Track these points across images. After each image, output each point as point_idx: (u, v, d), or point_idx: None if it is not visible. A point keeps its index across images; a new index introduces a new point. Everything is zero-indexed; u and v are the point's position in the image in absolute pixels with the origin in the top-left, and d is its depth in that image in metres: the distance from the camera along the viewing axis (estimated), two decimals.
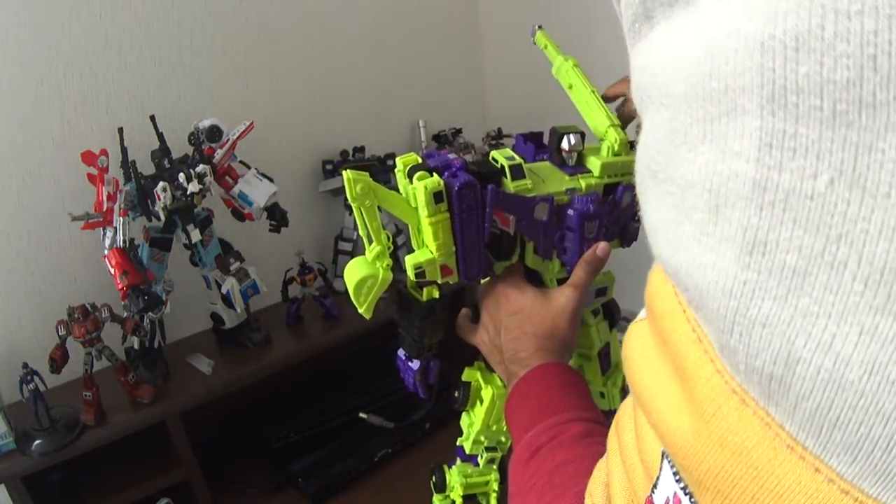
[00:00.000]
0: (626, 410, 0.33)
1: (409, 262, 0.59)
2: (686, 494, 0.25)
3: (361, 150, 1.53)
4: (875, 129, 0.17)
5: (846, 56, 0.17)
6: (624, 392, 0.75)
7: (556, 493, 0.45)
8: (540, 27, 0.79)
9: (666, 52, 0.22)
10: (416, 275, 0.59)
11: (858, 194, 0.17)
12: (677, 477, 0.26)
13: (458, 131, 1.66)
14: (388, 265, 0.59)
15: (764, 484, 0.21)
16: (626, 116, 0.69)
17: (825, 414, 0.19)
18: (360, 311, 0.60)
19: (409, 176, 0.57)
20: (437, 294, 0.65)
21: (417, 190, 0.56)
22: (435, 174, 0.57)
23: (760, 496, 0.21)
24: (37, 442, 1.06)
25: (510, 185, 0.60)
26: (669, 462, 0.27)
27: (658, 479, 0.28)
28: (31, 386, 1.06)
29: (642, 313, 0.31)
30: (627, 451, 0.31)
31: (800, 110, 0.18)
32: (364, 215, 0.57)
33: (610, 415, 0.73)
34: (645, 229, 0.26)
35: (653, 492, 0.28)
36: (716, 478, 0.22)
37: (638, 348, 0.28)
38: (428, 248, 0.59)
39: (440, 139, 1.65)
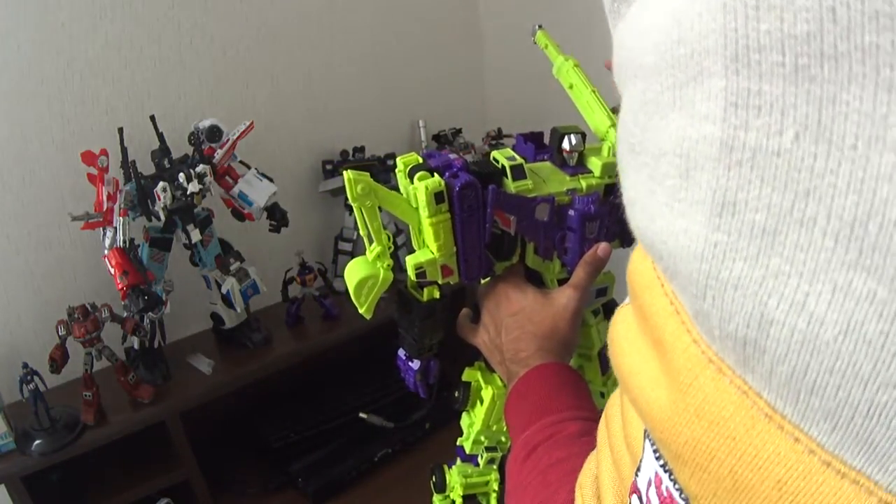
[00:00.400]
0: (614, 401, 0.33)
1: (410, 262, 0.59)
2: (666, 472, 0.25)
3: (361, 150, 1.53)
4: (838, 80, 0.17)
5: (805, 10, 0.17)
6: None
7: (550, 492, 0.45)
8: (540, 27, 0.79)
9: (638, 26, 0.22)
10: (417, 275, 0.59)
11: (825, 148, 0.17)
12: (657, 454, 0.26)
13: (458, 131, 1.66)
14: (388, 265, 0.59)
15: (742, 455, 0.21)
16: None
17: (801, 378, 0.19)
18: (361, 311, 0.60)
19: (410, 176, 0.57)
20: (437, 294, 0.65)
21: (418, 190, 0.56)
22: (436, 174, 0.57)
23: (739, 468, 0.21)
24: (37, 442, 1.06)
25: (511, 186, 0.61)
26: (650, 440, 0.26)
27: (641, 460, 0.27)
28: (31, 386, 1.06)
29: (629, 298, 0.31)
30: (615, 440, 0.31)
31: (763, 67, 0.18)
32: (365, 215, 0.57)
33: None
34: (624, 201, 0.26)
35: (636, 475, 0.28)
36: (693, 450, 0.22)
37: (622, 330, 0.28)
38: (429, 249, 0.59)
39: (440, 139, 1.65)
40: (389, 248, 0.60)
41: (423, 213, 0.57)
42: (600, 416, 0.54)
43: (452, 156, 0.60)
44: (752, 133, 0.18)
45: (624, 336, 0.28)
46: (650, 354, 0.25)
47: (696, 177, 0.20)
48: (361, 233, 0.58)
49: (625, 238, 0.70)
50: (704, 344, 0.22)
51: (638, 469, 0.28)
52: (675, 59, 0.20)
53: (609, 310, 0.76)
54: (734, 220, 0.19)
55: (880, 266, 0.17)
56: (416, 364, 0.71)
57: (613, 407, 0.33)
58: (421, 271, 0.59)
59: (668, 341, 0.23)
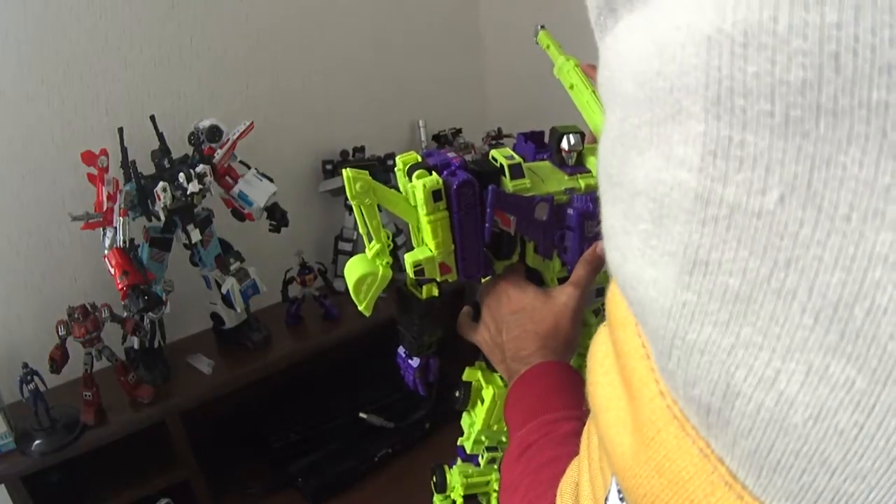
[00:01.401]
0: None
1: (409, 259, 0.59)
2: None
3: (361, 150, 1.53)
4: (835, 140, 0.15)
5: (802, 54, 0.15)
6: None
7: (540, 490, 0.45)
8: (542, 27, 0.79)
9: (622, 47, 0.20)
10: (416, 272, 0.59)
11: (813, 214, 0.15)
12: (621, 496, 0.25)
13: (458, 131, 1.66)
14: (387, 263, 0.59)
15: None
16: None
17: (765, 455, 0.18)
18: (360, 308, 0.60)
19: (409, 174, 0.58)
20: (436, 292, 0.65)
21: (416, 188, 0.56)
22: (434, 173, 0.57)
23: None
24: (37, 442, 1.06)
25: (509, 185, 0.61)
26: (615, 479, 0.25)
27: (609, 493, 0.26)
28: (31, 386, 1.06)
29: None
30: (593, 456, 0.30)
31: (747, 115, 0.16)
32: (364, 213, 0.57)
33: None
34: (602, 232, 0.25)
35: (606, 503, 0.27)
36: None
37: (599, 355, 0.27)
38: (427, 246, 0.59)
39: (440, 139, 1.65)
40: (388, 246, 0.60)
41: (422, 210, 0.57)
42: None
43: (451, 155, 0.60)
44: (730, 188, 0.17)
45: (600, 362, 0.26)
46: (620, 393, 0.24)
47: (669, 226, 0.18)
48: (361, 231, 0.58)
49: None
50: (670, 398, 0.21)
51: (606, 498, 0.27)
52: (654, 92, 0.18)
53: None
54: (705, 281, 0.18)
55: (862, 355, 0.15)
56: (415, 362, 0.71)
57: (593, 422, 0.31)
58: (419, 269, 0.59)
59: (636, 386, 0.22)
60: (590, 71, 0.70)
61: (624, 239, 0.21)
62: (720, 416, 0.18)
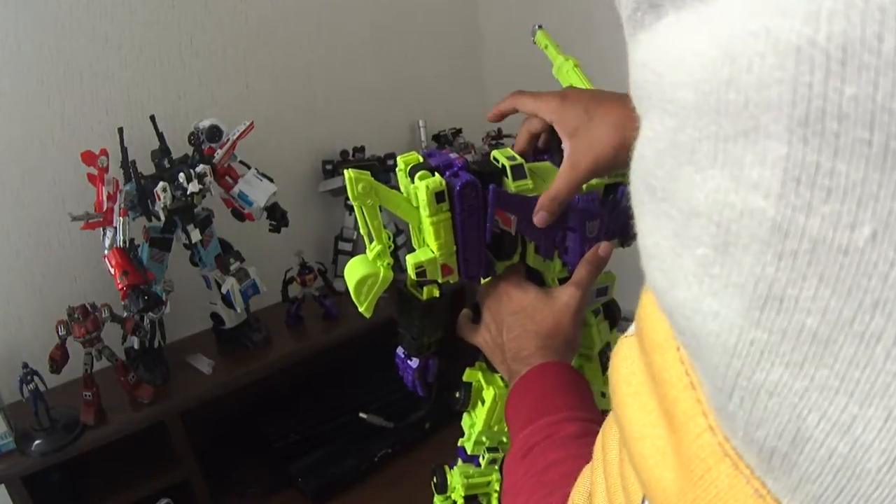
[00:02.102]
0: (612, 425, 0.31)
1: (411, 261, 0.59)
2: None
3: (361, 150, 1.53)
4: None
5: None
6: None
7: (544, 493, 0.45)
8: (540, 27, 0.79)
9: (674, 49, 0.18)
10: (417, 274, 0.59)
11: None
12: None
13: (458, 131, 1.66)
14: (388, 264, 0.59)
15: None
16: (532, 134, 0.66)
17: (832, 500, 0.17)
18: (361, 309, 0.60)
19: (411, 175, 0.58)
20: (437, 293, 0.65)
21: (419, 189, 0.56)
22: (436, 174, 0.57)
23: None
24: (37, 442, 1.06)
25: (511, 185, 0.61)
26: None
27: None
28: (31, 386, 1.06)
29: (633, 328, 0.28)
30: (611, 470, 0.29)
31: (841, 142, 0.14)
32: (365, 214, 0.57)
33: None
34: (638, 248, 0.23)
35: None
36: None
37: (625, 371, 0.25)
38: (429, 248, 0.59)
39: (440, 139, 1.65)
40: (389, 246, 0.60)
41: (424, 212, 0.57)
42: (598, 417, 0.54)
43: (453, 155, 0.60)
44: (815, 220, 0.15)
45: (626, 380, 0.25)
46: (657, 422, 0.22)
47: (737, 256, 0.17)
48: (362, 231, 0.58)
49: (625, 238, 0.70)
50: (721, 434, 0.19)
51: None
52: (723, 104, 0.17)
53: (610, 310, 0.76)
54: (778, 319, 0.16)
55: None
56: (414, 362, 0.71)
57: (611, 431, 0.30)
58: (421, 270, 0.59)
59: (679, 419, 0.21)
60: None
61: (674, 261, 0.19)
62: (786, 460, 0.17)
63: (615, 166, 0.59)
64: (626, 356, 0.26)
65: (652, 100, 0.20)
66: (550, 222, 0.60)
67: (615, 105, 0.58)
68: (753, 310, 0.17)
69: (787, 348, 0.17)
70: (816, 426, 0.16)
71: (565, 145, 0.60)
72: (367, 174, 0.55)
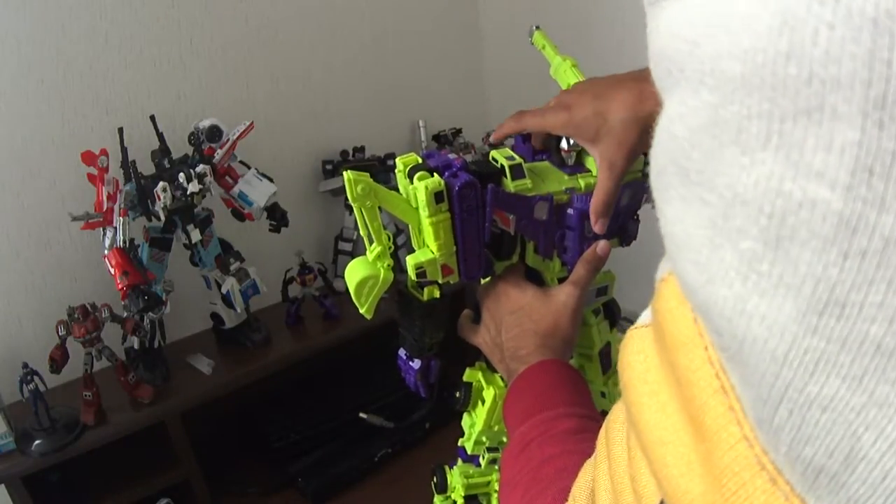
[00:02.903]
0: (618, 417, 0.29)
1: (411, 261, 0.59)
2: None
3: (361, 150, 1.53)
4: None
5: None
6: None
7: (540, 488, 0.45)
8: (538, 27, 0.79)
9: (712, 13, 0.16)
10: (417, 274, 0.59)
11: None
12: None
13: (458, 131, 1.66)
14: (388, 265, 0.59)
15: None
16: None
17: None
18: (362, 311, 0.60)
19: (410, 176, 0.58)
20: (437, 293, 0.65)
21: (418, 190, 0.56)
22: (435, 174, 0.57)
23: None
24: (37, 442, 1.06)
25: (510, 185, 0.61)
26: None
27: None
28: (31, 386, 1.06)
29: (643, 317, 0.26)
30: (617, 468, 0.28)
31: None
32: (365, 215, 0.57)
33: None
34: (663, 234, 0.21)
35: None
36: None
37: (639, 367, 0.24)
38: (429, 248, 0.59)
39: (440, 139, 1.65)
40: (389, 247, 0.60)
41: (423, 212, 0.57)
42: (596, 414, 0.54)
43: (452, 156, 0.60)
44: (888, 217, 0.14)
45: (642, 378, 0.23)
46: (681, 427, 0.21)
47: (792, 253, 0.15)
48: (361, 233, 0.58)
49: (624, 237, 0.70)
50: (759, 446, 0.18)
51: None
52: (780, 79, 0.15)
53: (609, 309, 0.76)
54: (839, 326, 0.15)
55: None
56: (416, 364, 0.71)
57: (616, 425, 0.29)
58: (421, 271, 0.59)
59: (709, 426, 0.19)
60: None
61: (711, 253, 0.17)
62: (834, 480, 0.16)
63: (643, 150, 0.59)
64: (638, 350, 0.24)
65: (685, 72, 0.18)
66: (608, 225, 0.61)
67: (619, 93, 0.58)
68: (810, 315, 0.15)
69: (847, 359, 0.15)
70: (872, 445, 0.15)
71: (592, 152, 0.60)
72: (366, 175, 0.55)
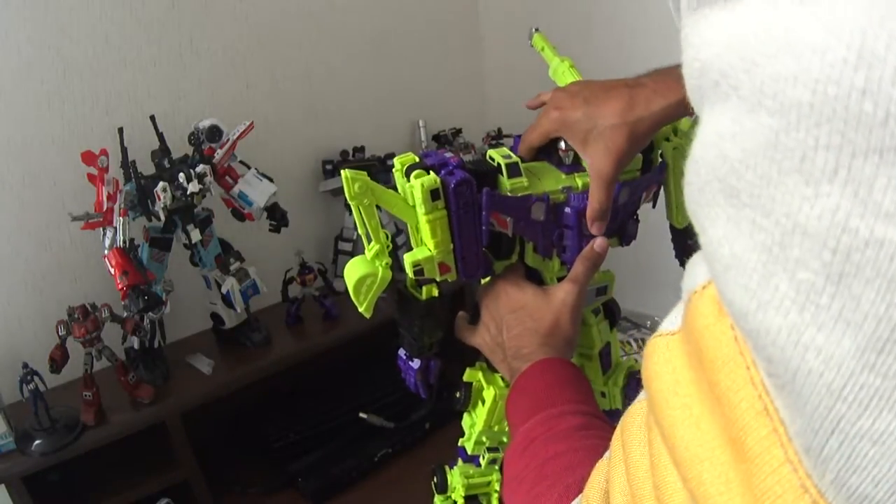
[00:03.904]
0: (634, 419, 0.29)
1: (408, 259, 0.59)
2: None
3: (361, 150, 1.53)
4: None
5: None
6: (625, 393, 0.74)
7: (547, 484, 0.44)
8: (537, 30, 0.79)
9: (778, 37, 0.16)
10: (415, 272, 0.59)
11: None
12: None
13: (458, 131, 1.66)
14: (387, 264, 0.59)
15: None
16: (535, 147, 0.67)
17: None
18: (360, 309, 0.60)
19: (407, 175, 0.58)
20: (436, 292, 0.65)
21: (414, 187, 0.56)
22: (432, 172, 0.57)
23: None
24: (37, 442, 1.06)
25: (506, 183, 0.61)
26: None
27: None
28: (31, 386, 1.06)
29: (668, 324, 0.25)
30: (636, 472, 0.27)
31: None
32: (362, 214, 0.57)
33: (610, 414, 0.73)
34: (704, 251, 0.20)
35: None
36: None
37: (668, 378, 0.23)
38: (426, 246, 0.59)
39: (440, 139, 1.65)
40: (388, 246, 0.60)
41: (420, 209, 0.57)
42: (599, 412, 0.54)
43: (448, 154, 0.60)
44: None
45: (671, 390, 0.23)
46: (719, 444, 0.20)
47: (854, 289, 0.15)
48: (360, 231, 0.58)
49: (623, 236, 0.70)
50: (803, 470, 0.18)
51: None
52: (854, 114, 0.14)
53: (609, 309, 0.76)
54: None
55: None
56: (416, 363, 0.71)
57: (633, 427, 0.28)
58: (419, 269, 0.59)
59: (751, 448, 0.19)
60: None
61: (764, 280, 0.17)
62: None
63: (634, 155, 0.60)
64: (666, 360, 0.24)
65: (739, 90, 0.17)
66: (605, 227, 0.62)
67: (609, 98, 0.58)
68: (869, 352, 0.15)
69: None
70: None
71: (582, 155, 0.61)
72: (363, 174, 0.56)
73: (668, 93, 0.56)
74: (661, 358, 0.24)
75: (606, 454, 0.33)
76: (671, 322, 0.25)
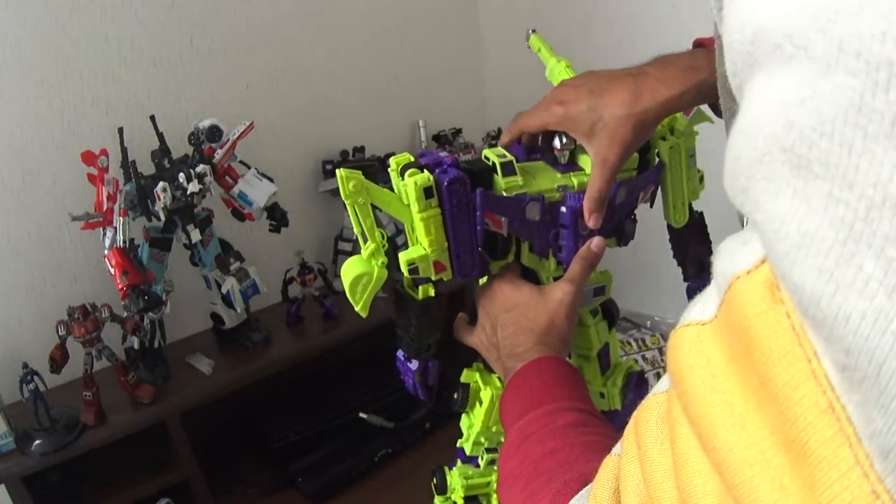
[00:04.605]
0: (650, 414, 0.27)
1: (403, 258, 0.59)
2: None
3: (361, 150, 1.53)
4: None
5: None
6: (625, 393, 0.74)
7: (542, 481, 0.44)
8: (534, 31, 0.79)
9: None
10: (410, 271, 0.60)
11: None
12: None
13: (458, 131, 1.66)
14: (382, 263, 0.59)
15: None
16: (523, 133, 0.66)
17: None
18: (357, 309, 0.60)
19: (402, 174, 0.58)
20: (432, 292, 0.65)
21: (408, 185, 0.56)
22: (426, 170, 0.57)
23: None
24: (37, 442, 1.06)
25: (501, 182, 0.61)
26: None
27: None
28: (31, 386, 1.06)
29: (696, 312, 0.23)
30: (653, 472, 0.26)
31: None
32: (357, 213, 0.57)
33: (609, 415, 0.73)
34: (762, 231, 0.18)
35: None
36: None
37: (702, 373, 0.21)
38: (421, 245, 0.59)
39: (440, 139, 1.65)
40: (384, 245, 0.60)
41: (414, 207, 0.57)
42: (595, 409, 0.54)
43: (443, 154, 0.61)
44: None
45: (709, 386, 0.21)
46: (770, 448, 0.19)
47: None
48: (355, 231, 0.59)
49: (621, 237, 0.70)
50: (875, 475, 0.16)
51: None
52: None
53: (608, 310, 0.75)
54: None
55: None
56: (414, 364, 0.70)
57: (649, 424, 0.27)
58: (414, 267, 0.59)
59: (814, 450, 0.17)
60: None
61: (843, 260, 0.16)
62: None
63: (639, 145, 0.59)
64: (698, 352, 0.22)
65: (810, 50, 0.16)
66: (602, 220, 0.61)
67: (614, 88, 0.58)
68: None
69: None
70: None
71: (587, 147, 0.60)
72: (358, 173, 0.56)
73: (673, 82, 0.56)
74: (692, 350, 0.22)
75: (615, 450, 0.32)
76: (700, 311, 0.23)
